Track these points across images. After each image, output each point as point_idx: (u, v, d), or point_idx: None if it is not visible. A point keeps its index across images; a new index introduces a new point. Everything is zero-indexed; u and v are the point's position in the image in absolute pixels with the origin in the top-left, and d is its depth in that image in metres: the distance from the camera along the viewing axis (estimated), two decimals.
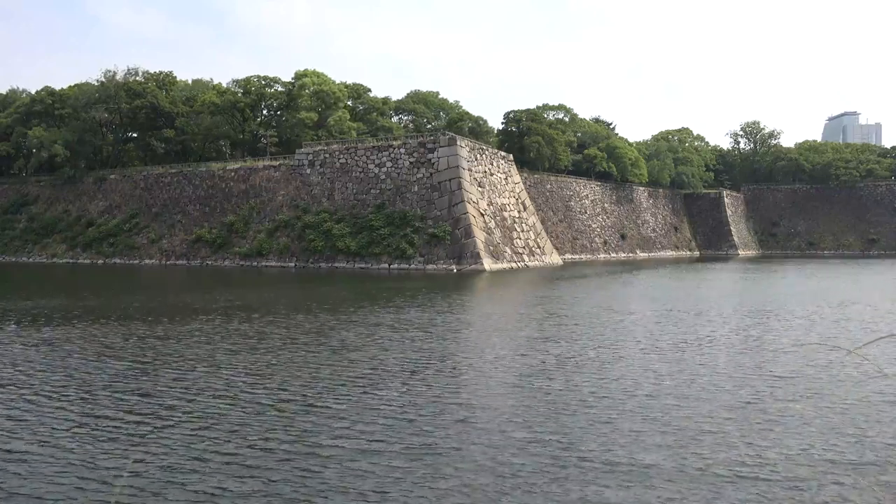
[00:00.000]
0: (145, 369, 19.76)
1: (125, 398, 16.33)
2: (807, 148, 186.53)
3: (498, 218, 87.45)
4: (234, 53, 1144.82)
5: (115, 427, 13.81)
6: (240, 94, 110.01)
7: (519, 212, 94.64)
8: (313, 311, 34.64)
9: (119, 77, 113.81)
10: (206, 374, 19.09)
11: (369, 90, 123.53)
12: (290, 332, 26.93)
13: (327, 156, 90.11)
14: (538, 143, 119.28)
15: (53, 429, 13.78)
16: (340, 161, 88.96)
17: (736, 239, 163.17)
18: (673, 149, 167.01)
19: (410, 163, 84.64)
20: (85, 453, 12.19)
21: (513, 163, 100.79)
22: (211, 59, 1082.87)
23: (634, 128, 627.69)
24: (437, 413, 14.71)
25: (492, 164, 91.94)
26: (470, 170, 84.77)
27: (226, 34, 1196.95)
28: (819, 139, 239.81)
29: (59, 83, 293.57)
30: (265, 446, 12.62)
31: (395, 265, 78.94)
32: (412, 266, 78.04)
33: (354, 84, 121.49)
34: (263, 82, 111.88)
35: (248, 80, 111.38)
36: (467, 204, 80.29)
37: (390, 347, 23.19)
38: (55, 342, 24.48)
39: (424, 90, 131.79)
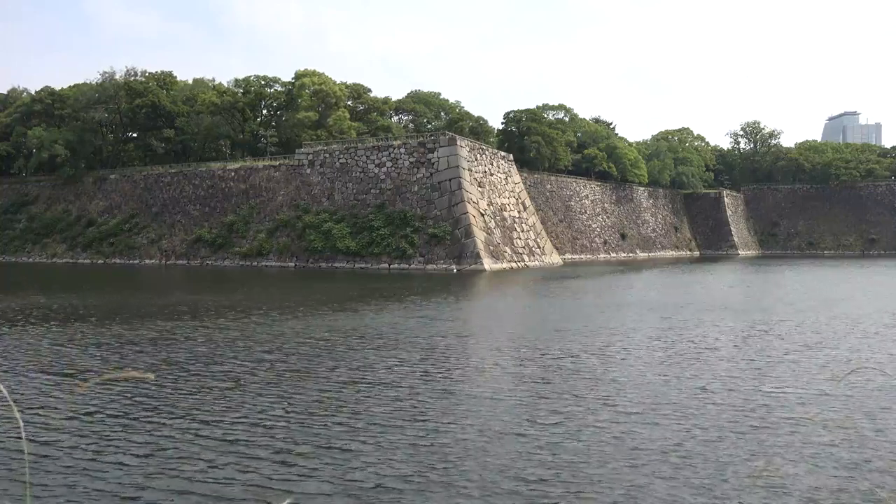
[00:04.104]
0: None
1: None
2: (807, 148, 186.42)
3: (498, 218, 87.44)
4: (230, 53, 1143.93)
5: None
6: (239, 94, 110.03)
7: (519, 212, 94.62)
8: (292, 311, 34.60)
9: (118, 77, 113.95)
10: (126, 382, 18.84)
11: (369, 90, 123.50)
12: (247, 336, 26.79)
13: (327, 156, 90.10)
14: (538, 143, 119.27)
15: None
16: (340, 161, 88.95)
17: (736, 239, 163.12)
18: (673, 149, 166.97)
19: (410, 163, 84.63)
20: None
21: (513, 163, 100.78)
22: (208, 60, 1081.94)
23: (634, 128, 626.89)
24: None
25: (492, 164, 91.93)
26: (470, 170, 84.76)
27: (221, 34, 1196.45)
28: (819, 139, 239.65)
29: (59, 83, 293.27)
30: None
31: (395, 265, 78.93)
32: (412, 266, 78.06)
33: (354, 84, 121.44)
34: (263, 82, 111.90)
35: (247, 80, 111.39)
36: (467, 204, 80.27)
37: (331, 361, 21.33)
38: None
39: (425, 90, 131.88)
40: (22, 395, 16.66)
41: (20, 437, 12.96)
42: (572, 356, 22.20)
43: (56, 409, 15.44)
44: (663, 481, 11.08)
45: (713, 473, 11.44)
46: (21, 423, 14.20)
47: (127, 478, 11.26)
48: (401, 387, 17.63)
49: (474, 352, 23.64)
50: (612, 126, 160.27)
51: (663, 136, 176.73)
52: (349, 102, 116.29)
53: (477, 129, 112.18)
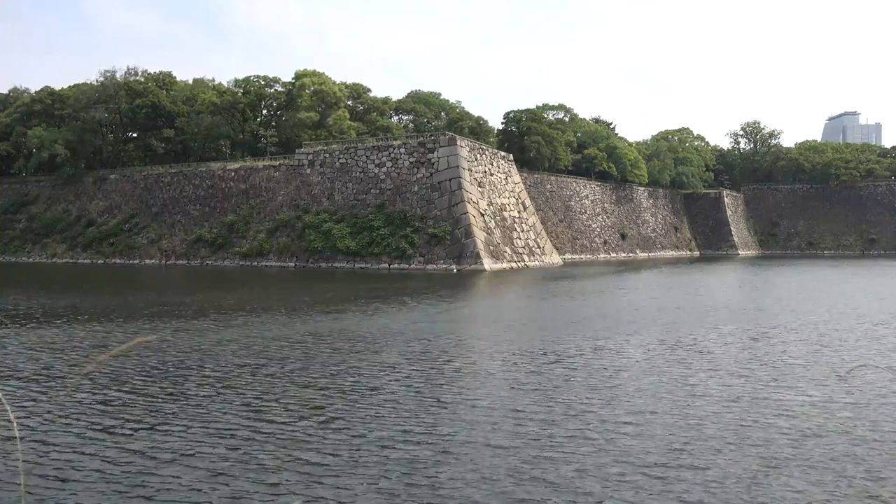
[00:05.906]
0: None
1: None
2: (807, 148, 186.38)
3: (498, 218, 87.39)
4: (230, 53, 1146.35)
5: None
6: (239, 94, 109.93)
7: (519, 212, 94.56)
8: (292, 312, 34.57)
9: (119, 77, 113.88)
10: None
11: (369, 90, 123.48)
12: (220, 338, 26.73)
13: (327, 156, 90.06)
14: (538, 143, 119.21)
15: None
16: (340, 161, 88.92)
17: (736, 239, 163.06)
18: (673, 149, 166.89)
19: (410, 163, 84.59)
20: None
21: (513, 163, 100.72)
22: (208, 60, 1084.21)
23: (634, 128, 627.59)
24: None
25: (492, 164, 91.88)
26: (470, 170, 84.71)
27: (221, 34, 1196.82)
28: (819, 139, 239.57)
29: (59, 83, 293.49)
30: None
31: (395, 265, 78.89)
32: (412, 266, 78.00)
33: (354, 84, 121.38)
34: (263, 82, 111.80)
35: (247, 80, 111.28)
36: (467, 204, 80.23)
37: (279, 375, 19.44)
38: None
39: (425, 90, 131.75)
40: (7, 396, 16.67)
41: (14, 438, 12.96)
42: (567, 359, 22.15)
43: (40, 411, 15.43)
44: (659, 490, 11.03)
45: (712, 482, 11.40)
46: (15, 424, 14.20)
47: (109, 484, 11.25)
48: (390, 391, 17.61)
49: (469, 355, 23.60)
50: (612, 126, 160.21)
51: (663, 136, 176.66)
52: (349, 102, 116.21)
53: (477, 129, 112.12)
